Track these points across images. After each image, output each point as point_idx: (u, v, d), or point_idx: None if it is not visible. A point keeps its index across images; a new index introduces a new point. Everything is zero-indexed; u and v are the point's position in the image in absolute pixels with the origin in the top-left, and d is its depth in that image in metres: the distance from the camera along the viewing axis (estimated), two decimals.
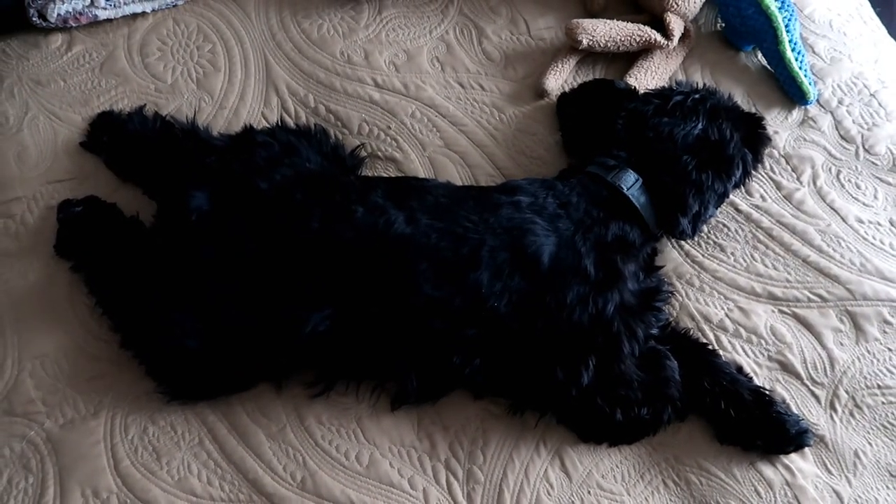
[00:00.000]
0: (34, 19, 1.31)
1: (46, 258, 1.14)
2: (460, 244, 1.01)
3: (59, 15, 1.30)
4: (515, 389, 1.05)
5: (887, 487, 1.04)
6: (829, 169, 1.28)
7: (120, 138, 1.21)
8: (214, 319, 1.01)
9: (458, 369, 1.02)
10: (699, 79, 1.35)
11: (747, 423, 1.04)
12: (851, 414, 1.08)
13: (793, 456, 1.04)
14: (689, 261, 1.19)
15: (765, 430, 1.04)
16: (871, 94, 1.35)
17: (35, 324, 1.10)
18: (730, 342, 1.13)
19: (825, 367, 1.11)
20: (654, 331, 1.07)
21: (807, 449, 1.05)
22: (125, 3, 1.34)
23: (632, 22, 1.33)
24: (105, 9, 1.33)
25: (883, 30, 1.49)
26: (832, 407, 1.09)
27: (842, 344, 1.13)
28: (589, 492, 1.02)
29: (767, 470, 1.04)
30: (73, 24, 1.33)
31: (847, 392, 1.09)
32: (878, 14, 1.53)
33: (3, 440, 1.02)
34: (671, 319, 1.12)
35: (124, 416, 1.05)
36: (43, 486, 1.00)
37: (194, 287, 1.02)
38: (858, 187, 1.27)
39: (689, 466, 1.04)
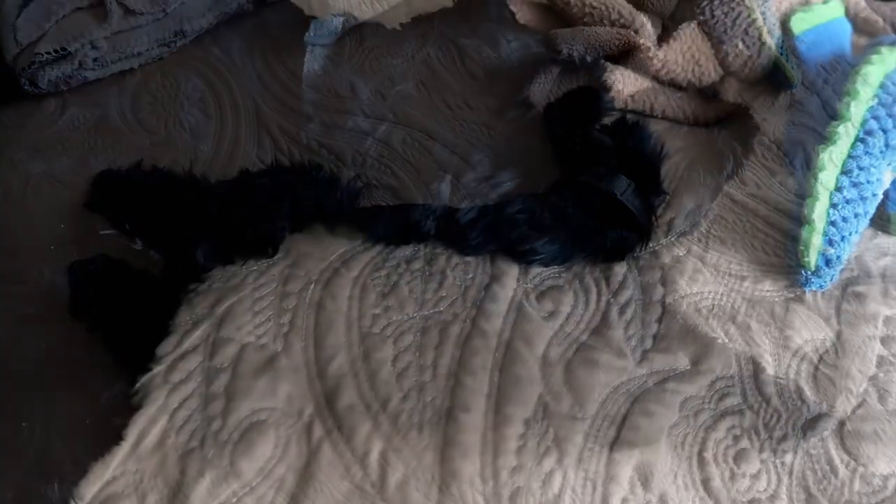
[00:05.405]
0: (26, 87, 1.34)
1: (63, 320, 1.16)
2: None
3: (49, 80, 1.33)
4: None
5: None
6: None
7: (122, 195, 1.24)
8: None
9: None
10: None
11: None
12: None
13: None
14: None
15: None
16: None
17: (59, 384, 1.12)
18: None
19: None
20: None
21: None
22: (112, 62, 1.37)
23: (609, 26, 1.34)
24: (93, 69, 1.36)
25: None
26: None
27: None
28: None
29: None
30: (65, 88, 1.36)
31: None
32: None
33: None
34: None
35: None
36: None
37: None
38: None
39: None
